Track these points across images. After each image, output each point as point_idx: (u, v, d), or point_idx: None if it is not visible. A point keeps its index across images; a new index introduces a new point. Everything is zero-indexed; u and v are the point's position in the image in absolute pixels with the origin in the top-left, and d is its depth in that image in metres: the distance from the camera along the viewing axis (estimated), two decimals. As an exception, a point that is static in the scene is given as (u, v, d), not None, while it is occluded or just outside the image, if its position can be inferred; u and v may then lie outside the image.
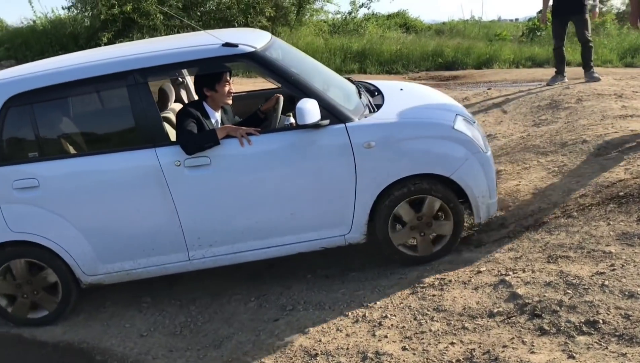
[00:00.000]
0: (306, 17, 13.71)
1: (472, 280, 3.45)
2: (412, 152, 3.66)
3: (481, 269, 3.55)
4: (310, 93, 3.59)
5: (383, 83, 4.87)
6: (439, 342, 2.97)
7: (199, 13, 12.44)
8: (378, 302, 3.56)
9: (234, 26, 12.29)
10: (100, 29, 11.62)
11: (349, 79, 4.65)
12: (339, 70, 11.12)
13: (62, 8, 14.51)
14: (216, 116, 3.86)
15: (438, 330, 3.08)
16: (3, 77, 3.85)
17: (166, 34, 11.77)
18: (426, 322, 3.18)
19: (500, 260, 3.61)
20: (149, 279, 3.82)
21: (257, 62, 3.67)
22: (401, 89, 4.54)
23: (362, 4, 14.95)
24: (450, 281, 3.50)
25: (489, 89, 9.04)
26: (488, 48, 12.42)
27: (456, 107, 4.25)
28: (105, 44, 11.53)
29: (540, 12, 10.63)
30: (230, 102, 3.92)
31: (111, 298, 4.05)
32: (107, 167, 3.66)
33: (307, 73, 3.92)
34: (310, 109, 3.41)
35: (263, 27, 12.49)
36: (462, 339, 2.94)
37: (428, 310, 3.26)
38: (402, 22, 18.22)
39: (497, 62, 11.85)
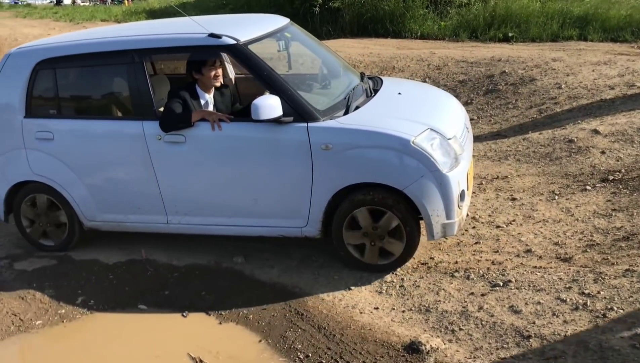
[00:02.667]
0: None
1: None
2: (366, 160, 3.63)
3: None
4: (279, 89, 3.72)
5: (392, 82, 4.79)
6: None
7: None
8: (602, 292, 3.27)
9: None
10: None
11: (362, 74, 4.65)
12: (556, 37, 10.30)
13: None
14: (206, 97, 4.14)
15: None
16: (34, 44, 4.48)
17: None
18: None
19: None
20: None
21: (234, 55, 3.90)
22: (399, 93, 4.38)
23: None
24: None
25: None
26: None
27: (443, 120, 3.94)
28: (320, 6, 11.96)
29: None
30: (218, 84, 4.17)
31: (318, 249, 4.24)
32: (106, 131, 4.17)
33: (311, 65, 4.12)
34: (268, 105, 3.56)
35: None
36: None
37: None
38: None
39: None
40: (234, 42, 3.84)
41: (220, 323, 3.57)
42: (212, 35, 3.84)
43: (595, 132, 5.54)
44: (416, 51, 9.53)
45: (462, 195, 3.65)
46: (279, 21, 4.64)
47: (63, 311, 3.82)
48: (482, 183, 5.16)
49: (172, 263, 4.28)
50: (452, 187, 3.55)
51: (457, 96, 7.70)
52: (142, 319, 3.70)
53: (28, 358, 3.46)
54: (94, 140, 4.19)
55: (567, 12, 10.93)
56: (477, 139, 6.41)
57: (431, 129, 3.68)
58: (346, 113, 3.84)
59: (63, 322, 3.73)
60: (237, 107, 4.54)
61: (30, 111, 4.32)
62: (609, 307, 3.15)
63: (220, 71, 4.18)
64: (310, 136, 3.68)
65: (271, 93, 3.71)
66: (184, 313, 3.68)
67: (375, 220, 3.75)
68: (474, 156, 5.81)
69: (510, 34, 10.60)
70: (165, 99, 4.14)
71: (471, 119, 7.11)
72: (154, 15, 15.75)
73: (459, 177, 3.63)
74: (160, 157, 4.02)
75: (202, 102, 4.12)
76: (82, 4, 40.88)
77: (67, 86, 4.32)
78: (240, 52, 3.86)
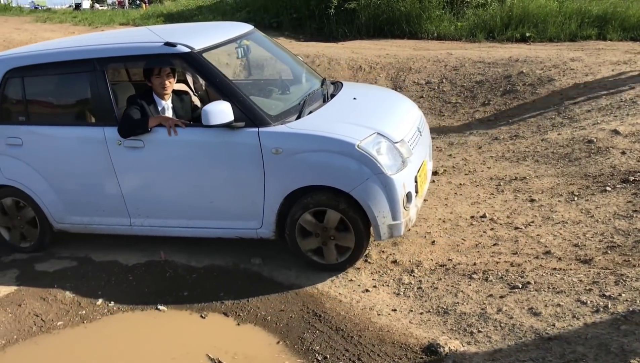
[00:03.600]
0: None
1: None
2: (314, 163, 3.72)
3: None
4: (231, 96, 3.84)
5: (351, 87, 4.89)
6: None
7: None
8: (623, 295, 3.23)
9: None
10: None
11: (324, 80, 4.74)
12: (574, 36, 10.20)
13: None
14: (163, 104, 4.26)
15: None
16: (4, 54, 4.67)
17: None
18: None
19: None
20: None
21: (188, 62, 3.98)
22: (354, 98, 4.45)
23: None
24: None
25: None
26: None
27: (392, 124, 4.03)
28: (335, 7, 11.96)
29: None
30: (166, 92, 4.25)
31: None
32: (70, 137, 4.30)
33: (273, 71, 4.46)
34: (219, 111, 3.68)
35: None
36: None
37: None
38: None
39: None
40: (188, 50, 3.96)
41: (238, 324, 3.59)
42: (167, 43, 3.99)
43: (615, 132, 5.47)
44: (433, 52, 9.49)
45: (408, 197, 3.74)
46: (240, 29, 4.77)
47: (84, 312, 3.87)
48: (500, 185, 5.13)
49: (191, 265, 4.31)
50: (397, 189, 3.66)
51: (474, 97, 7.68)
52: (162, 320, 3.73)
53: (49, 359, 3.51)
54: (60, 146, 4.35)
55: (586, 11, 10.82)
56: (494, 139, 6.37)
57: (378, 133, 3.79)
58: (299, 118, 3.94)
59: (84, 322, 3.78)
60: (198, 113, 4.60)
61: (0, 118, 4.49)
62: (631, 309, 3.11)
63: (169, 80, 4.25)
64: (261, 140, 3.79)
65: (224, 99, 3.81)
66: (203, 314, 3.71)
67: (320, 221, 3.84)
68: (491, 157, 5.79)
69: (527, 34, 10.52)
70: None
71: (488, 120, 7.07)
72: (171, 19, 15.88)
73: (405, 180, 3.73)
74: (121, 162, 4.16)
75: (159, 108, 4.25)
76: (100, 8, 41.37)
77: (34, 94, 4.46)
78: (193, 60, 3.98)
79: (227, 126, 3.77)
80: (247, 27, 4.89)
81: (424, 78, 8.44)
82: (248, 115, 3.83)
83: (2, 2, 29.78)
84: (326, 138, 3.71)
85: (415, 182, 3.86)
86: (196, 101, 5.01)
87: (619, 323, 3.01)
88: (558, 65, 7.73)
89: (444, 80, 8.27)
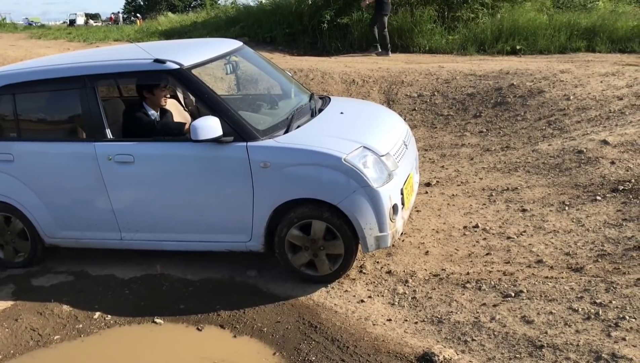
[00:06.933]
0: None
1: None
2: (301, 177, 3.78)
3: None
4: (220, 111, 3.91)
5: (338, 101, 4.96)
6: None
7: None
8: (614, 302, 3.29)
9: (452, 3, 11.97)
10: (323, 7, 12.18)
11: (312, 95, 4.84)
12: (563, 48, 10.35)
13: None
14: (155, 114, 4.51)
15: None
16: None
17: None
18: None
19: None
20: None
21: (177, 79, 4.07)
22: (341, 113, 4.55)
23: (593, -24, 13.44)
24: None
25: None
26: None
27: (378, 138, 4.10)
28: (328, 22, 12.08)
29: None
30: (164, 104, 4.56)
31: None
32: (61, 152, 4.35)
33: (262, 86, 4.66)
34: (207, 126, 3.75)
35: (484, 4, 11.97)
36: None
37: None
38: (640, -6, 16.15)
39: None
40: (177, 66, 4.03)
41: (235, 336, 3.61)
42: (157, 60, 4.06)
43: (605, 142, 5.56)
44: (425, 65, 9.60)
45: (394, 209, 3.80)
46: (229, 45, 4.86)
47: (81, 326, 3.88)
48: (492, 195, 5.19)
49: (187, 278, 4.34)
50: (383, 201, 3.71)
51: (466, 109, 7.77)
52: (158, 333, 3.75)
53: (47, 373, 3.52)
54: (50, 161, 4.40)
55: (575, 24, 11.00)
56: (486, 151, 6.45)
57: (364, 147, 3.86)
58: (287, 132, 4.01)
59: (81, 336, 3.79)
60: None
61: None
62: (621, 316, 3.16)
63: (164, 93, 4.52)
64: (249, 155, 3.85)
65: (212, 114, 3.89)
66: (199, 327, 3.73)
67: (307, 234, 3.90)
68: (483, 168, 5.86)
69: (518, 47, 10.68)
70: (119, 121, 4.46)
71: (480, 132, 7.16)
72: (165, 35, 15.98)
73: (391, 192, 3.79)
74: (111, 177, 4.21)
75: (152, 118, 4.49)
76: (94, 24, 41.53)
77: (25, 110, 4.52)
78: (183, 77, 4.06)
79: (216, 141, 3.83)
80: (236, 44, 4.98)
81: (416, 91, 8.54)
82: (236, 130, 3.89)
83: (-4, 18, 29.90)
84: (313, 152, 3.77)
85: (402, 194, 3.92)
86: (187, 116, 5.12)
87: (610, 330, 3.07)
88: (548, 77, 7.85)
89: (435, 93, 8.37)
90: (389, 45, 11.28)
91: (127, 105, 4.74)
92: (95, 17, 50.70)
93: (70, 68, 4.35)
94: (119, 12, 52.96)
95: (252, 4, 16.30)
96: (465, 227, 4.64)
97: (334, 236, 3.86)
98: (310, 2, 12.95)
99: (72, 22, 44.12)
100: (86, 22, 45.11)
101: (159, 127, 4.42)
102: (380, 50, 11.37)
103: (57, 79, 4.32)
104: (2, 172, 4.52)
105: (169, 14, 24.13)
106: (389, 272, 4.10)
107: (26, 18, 48.71)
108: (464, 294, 3.70)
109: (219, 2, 22.13)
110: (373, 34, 11.37)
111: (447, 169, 6.12)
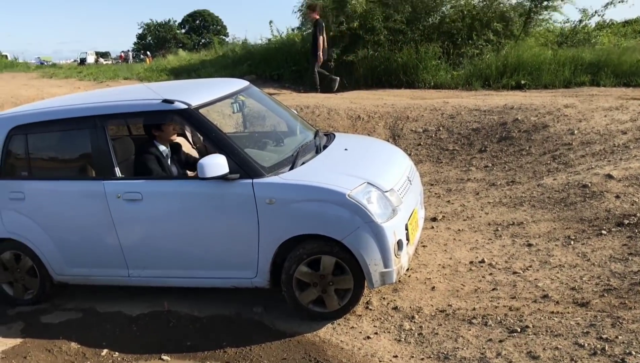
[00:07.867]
0: (532, 28, 12.98)
1: None
2: (306, 213, 3.81)
3: None
4: (227, 149, 3.98)
5: (342, 138, 5.03)
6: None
7: (421, 27, 12.53)
8: (620, 337, 3.28)
9: (457, 40, 12.18)
10: (330, 45, 12.39)
11: (317, 131, 4.91)
12: (568, 83, 10.46)
13: (291, 30, 15.70)
14: (165, 150, 4.66)
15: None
16: (9, 112, 4.89)
17: (390, 49, 12.12)
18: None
19: None
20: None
21: (185, 118, 4.14)
22: (346, 149, 4.62)
23: (595, 12, 13.56)
24: None
25: None
26: None
27: (382, 174, 4.14)
28: (334, 60, 12.28)
29: None
30: (175, 136, 4.74)
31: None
32: (71, 191, 4.44)
33: (268, 123, 4.83)
34: (214, 164, 3.83)
35: (489, 40, 12.15)
36: None
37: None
38: (643, 29, 16.31)
39: None
40: (185, 106, 4.13)
41: (241, 373, 3.62)
42: (165, 101, 4.16)
43: (609, 176, 5.59)
44: (429, 101, 9.72)
45: (399, 245, 3.81)
46: (236, 85, 4.98)
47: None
48: (498, 230, 5.21)
49: (194, 314, 4.36)
50: (387, 237, 3.73)
51: (471, 144, 7.84)
52: (165, 370, 3.76)
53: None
54: (60, 200, 4.48)
55: (579, 58, 11.11)
56: (492, 185, 6.48)
57: (368, 183, 3.90)
58: (292, 168, 4.07)
59: (88, 373, 3.81)
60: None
61: (4, 173, 4.65)
62: (628, 351, 3.15)
63: (174, 129, 4.69)
64: (255, 191, 3.90)
65: (219, 152, 3.96)
66: (206, 364, 3.74)
67: (316, 269, 3.92)
68: (489, 203, 5.89)
69: (522, 82, 10.78)
70: (129, 160, 4.65)
71: (485, 166, 7.21)
72: (174, 73, 16.27)
73: (396, 228, 3.81)
74: (120, 214, 4.27)
75: (164, 154, 4.64)
76: (104, 62, 42.33)
77: (37, 149, 4.64)
78: (190, 116, 4.15)
79: (223, 178, 3.90)
80: (242, 83, 5.09)
81: (422, 126, 8.63)
82: (242, 167, 3.95)
83: (9, 58, 30.56)
84: (318, 188, 3.82)
85: (406, 229, 3.95)
86: (194, 153, 5.20)
87: (617, 366, 3.06)
88: (552, 112, 7.92)
89: (441, 128, 8.45)
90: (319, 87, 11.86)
91: (137, 144, 4.84)
92: (105, 55, 51.80)
93: (81, 109, 4.46)
94: (128, 51, 54.06)
95: (260, 42, 16.53)
96: (471, 262, 4.65)
97: (342, 271, 3.88)
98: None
99: (82, 61, 44.99)
100: (96, 61, 46.03)
101: (171, 163, 4.53)
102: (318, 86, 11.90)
103: (68, 120, 4.43)
104: (13, 210, 4.60)
105: (180, 50, 24.57)
106: (395, 308, 4.11)
107: (38, 57, 49.77)
108: (470, 330, 3.70)
109: (227, 39, 22.54)
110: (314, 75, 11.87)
111: (452, 203, 6.15)
